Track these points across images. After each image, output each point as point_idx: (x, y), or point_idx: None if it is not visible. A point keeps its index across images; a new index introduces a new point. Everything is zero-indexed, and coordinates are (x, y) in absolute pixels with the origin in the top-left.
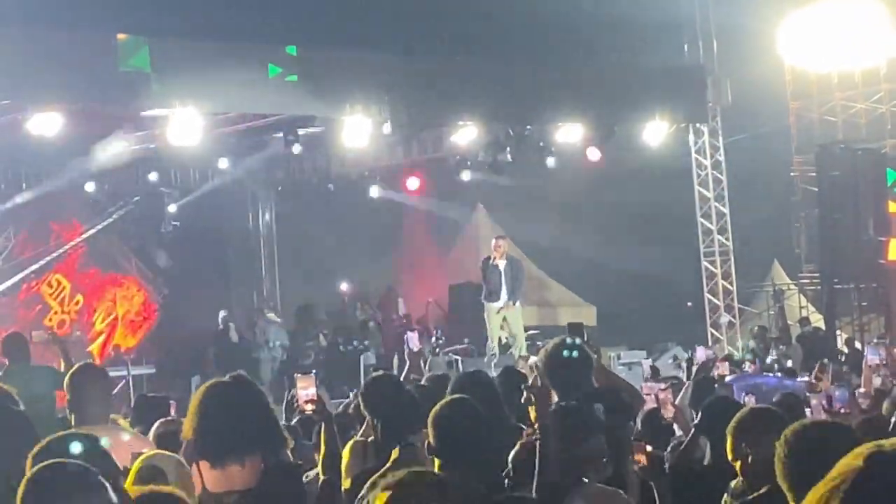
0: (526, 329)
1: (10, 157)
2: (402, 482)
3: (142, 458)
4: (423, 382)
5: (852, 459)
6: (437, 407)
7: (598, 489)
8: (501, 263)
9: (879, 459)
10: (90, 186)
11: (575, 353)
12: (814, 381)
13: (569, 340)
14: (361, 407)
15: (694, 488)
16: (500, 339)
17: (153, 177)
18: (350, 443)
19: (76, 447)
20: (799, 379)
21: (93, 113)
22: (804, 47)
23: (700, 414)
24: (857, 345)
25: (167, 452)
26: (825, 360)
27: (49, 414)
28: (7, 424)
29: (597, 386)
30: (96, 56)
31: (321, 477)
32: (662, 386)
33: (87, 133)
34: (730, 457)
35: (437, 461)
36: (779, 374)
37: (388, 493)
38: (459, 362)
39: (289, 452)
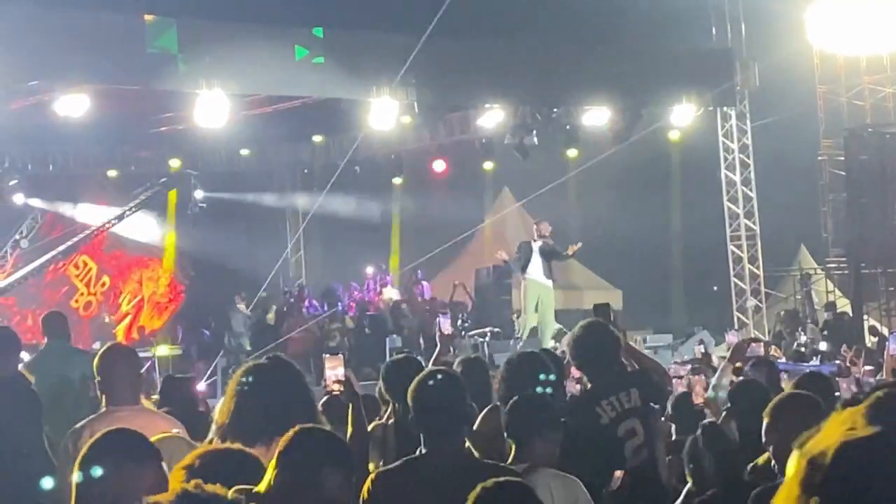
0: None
1: (37, 139)
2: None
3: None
4: (455, 366)
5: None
6: (416, 381)
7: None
8: (537, 244)
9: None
10: (116, 168)
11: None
12: (847, 364)
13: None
14: (382, 389)
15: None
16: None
17: (179, 159)
18: (371, 425)
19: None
20: (828, 363)
21: (120, 94)
22: (832, 31)
23: (730, 396)
24: (885, 330)
25: (172, 435)
26: (858, 347)
27: (82, 394)
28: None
29: (629, 369)
30: (124, 37)
31: None
32: (688, 368)
33: (113, 114)
34: (763, 438)
35: (422, 437)
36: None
37: None
38: (485, 345)
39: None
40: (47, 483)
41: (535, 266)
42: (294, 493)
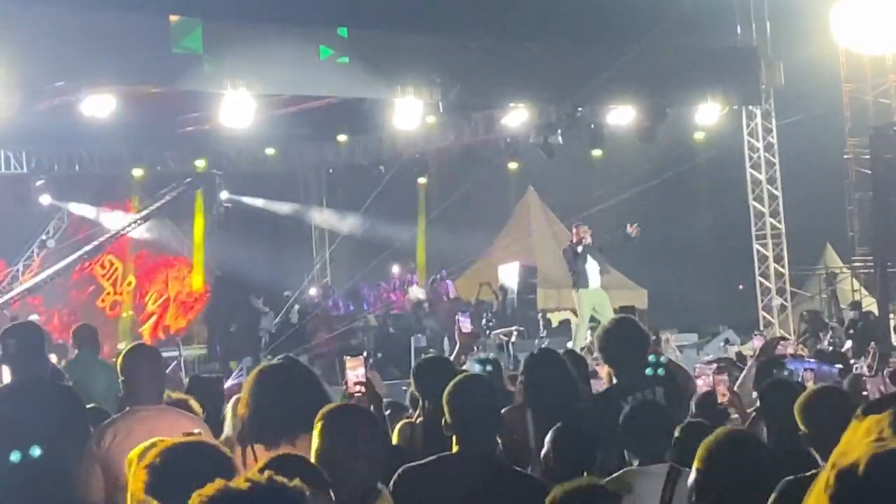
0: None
1: (64, 139)
2: None
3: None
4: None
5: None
6: (451, 385)
7: None
8: (585, 249)
9: None
10: (142, 168)
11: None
12: (871, 363)
13: (623, 318)
14: (413, 388)
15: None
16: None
17: (204, 159)
18: (399, 424)
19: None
20: (854, 363)
21: (145, 94)
22: (858, 29)
23: (760, 396)
24: None
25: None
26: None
27: (105, 404)
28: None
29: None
30: (149, 38)
31: None
32: (713, 367)
33: (139, 115)
34: (802, 434)
35: (454, 439)
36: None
37: None
38: (510, 344)
39: None
40: (35, 451)
41: (593, 273)
42: None
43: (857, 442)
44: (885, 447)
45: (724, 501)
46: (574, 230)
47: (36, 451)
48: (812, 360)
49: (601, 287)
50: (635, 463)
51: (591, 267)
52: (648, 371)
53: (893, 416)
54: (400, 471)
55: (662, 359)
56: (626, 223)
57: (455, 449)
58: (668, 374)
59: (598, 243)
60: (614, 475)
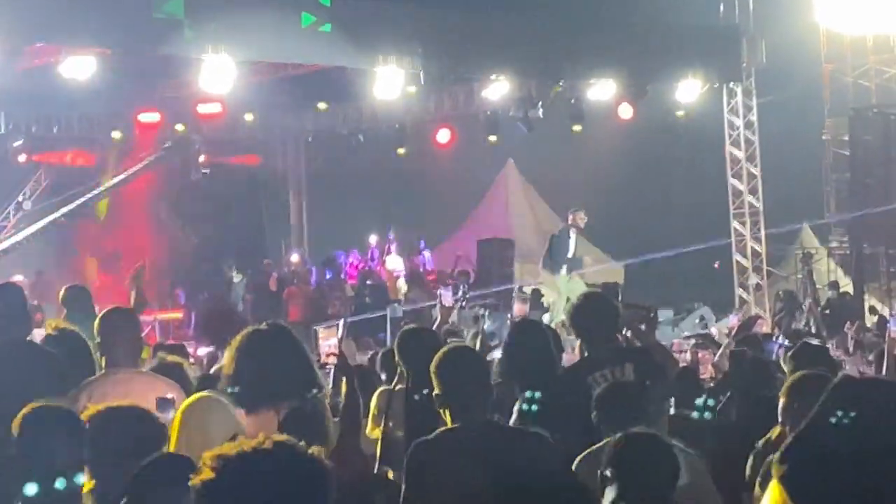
0: None
1: (43, 100)
2: None
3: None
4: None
5: None
6: (440, 357)
7: None
8: (574, 235)
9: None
10: (121, 131)
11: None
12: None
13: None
14: (396, 357)
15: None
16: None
17: (183, 124)
18: (377, 392)
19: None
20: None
21: (126, 57)
22: (839, 9)
23: (732, 373)
24: (885, 311)
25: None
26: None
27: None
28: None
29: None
30: (131, 1)
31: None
32: (692, 343)
33: (119, 77)
34: (780, 417)
35: (447, 411)
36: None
37: None
38: (486, 317)
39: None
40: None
41: (573, 260)
42: None
43: None
44: None
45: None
46: (571, 215)
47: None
48: (777, 340)
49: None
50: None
51: (573, 258)
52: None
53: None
54: (412, 446)
55: (537, 394)
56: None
57: (449, 421)
58: (640, 350)
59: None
60: (590, 451)
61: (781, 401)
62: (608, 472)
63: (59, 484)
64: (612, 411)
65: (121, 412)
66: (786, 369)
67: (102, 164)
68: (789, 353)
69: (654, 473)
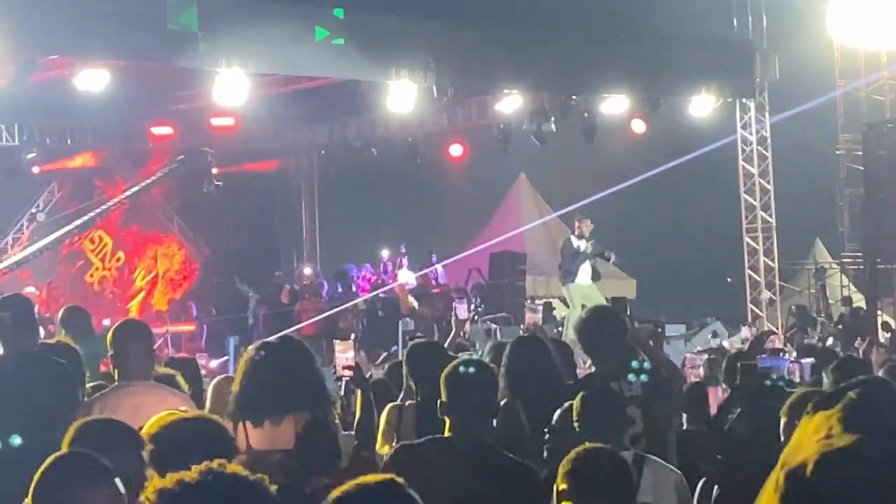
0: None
1: (56, 113)
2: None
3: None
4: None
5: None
6: (450, 368)
7: None
8: (582, 244)
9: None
10: (134, 144)
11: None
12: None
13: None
14: (405, 371)
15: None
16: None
17: (196, 137)
18: (387, 407)
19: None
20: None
21: (140, 70)
22: (853, 25)
23: (731, 389)
24: None
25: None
26: (872, 338)
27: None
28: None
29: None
30: (145, 13)
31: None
32: (704, 358)
33: (133, 90)
34: (782, 437)
35: (448, 420)
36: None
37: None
38: (497, 331)
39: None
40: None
41: (584, 270)
42: None
43: (806, 440)
44: (833, 446)
45: None
46: (577, 223)
47: (16, 440)
48: (778, 357)
49: (594, 286)
50: None
51: (584, 267)
52: (631, 377)
53: (842, 412)
54: (396, 447)
55: (646, 364)
56: (608, 251)
57: (447, 432)
58: (649, 367)
59: (597, 248)
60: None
61: (783, 420)
62: (563, 486)
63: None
64: (590, 422)
65: (195, 423)
66: (827, 381)
67: (115, 176)
68: (830, 367)
69: (609, 488)
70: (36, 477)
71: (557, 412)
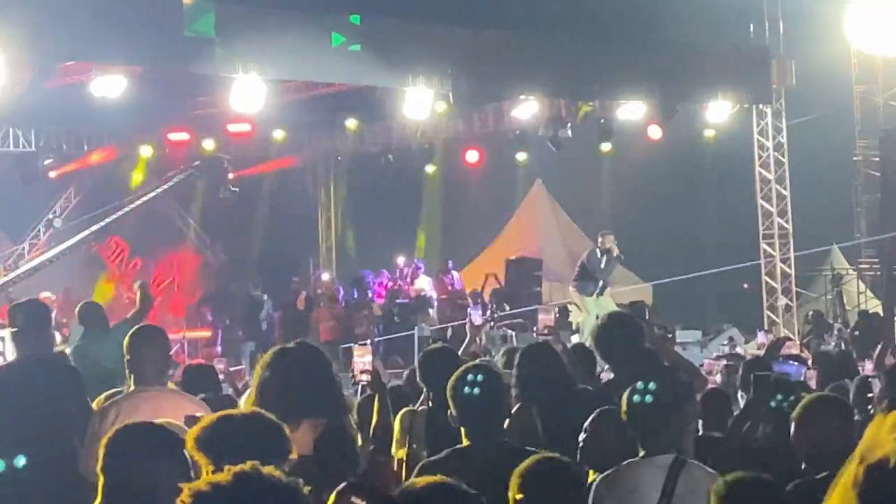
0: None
1: (73, 119)
2: None
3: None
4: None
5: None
6: (456, 376)
7: None
8: (605, 259)
9: None
10: (150, 150)
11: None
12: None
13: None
14: (418, 378)
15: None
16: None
17: (212, 143)
18: (401, 412)
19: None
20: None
21: (156, 76)
22: (870, 31)
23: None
24: None
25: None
26: (885, 343)
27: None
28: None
29: (655, 363)
30: (162, 20)
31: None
32: (723, 364)
33: (149, 96)
34: (794, 440)
35: (463, 430)
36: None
37: None
38: (513, 337)
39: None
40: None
41: (596, 282)
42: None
43: (884, 437)
44: None
45: None
46: (600, 239)
47: (21, 462)
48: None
49: (609, 298)
50: (641, 453)
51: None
52: (636, 398)
53: None
54: (418, 466)
55: (651, 385)
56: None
57: (465, 441)
58: (667, 369)
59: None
60: (615, 468)
61: (793, 427)
62: (518, 497)
63: None
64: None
65: (251, 418)
66: (881, 381)
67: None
68: (885, 370)
69: (562, 501)
70: (103, 447)
71: (592, 414)
